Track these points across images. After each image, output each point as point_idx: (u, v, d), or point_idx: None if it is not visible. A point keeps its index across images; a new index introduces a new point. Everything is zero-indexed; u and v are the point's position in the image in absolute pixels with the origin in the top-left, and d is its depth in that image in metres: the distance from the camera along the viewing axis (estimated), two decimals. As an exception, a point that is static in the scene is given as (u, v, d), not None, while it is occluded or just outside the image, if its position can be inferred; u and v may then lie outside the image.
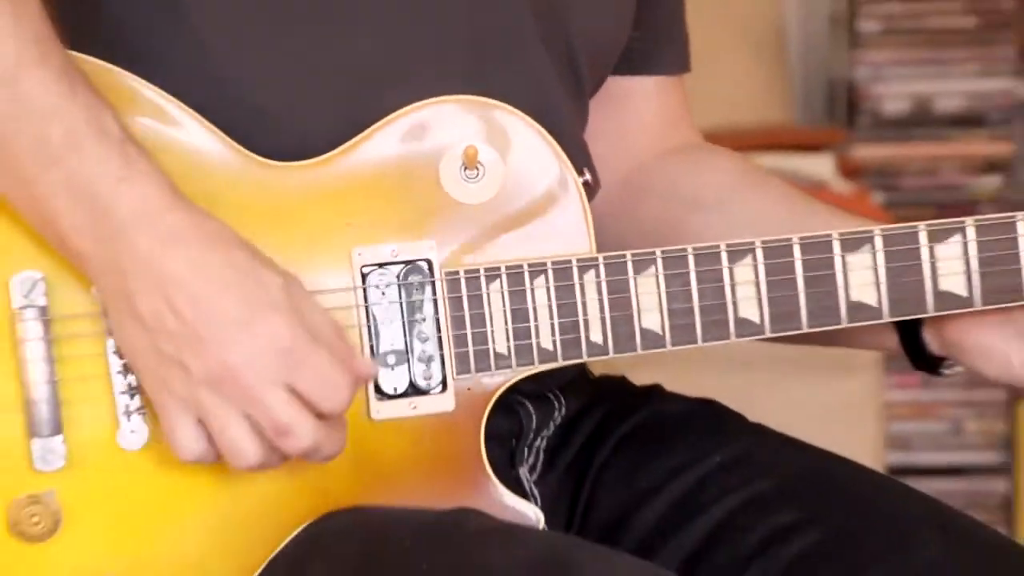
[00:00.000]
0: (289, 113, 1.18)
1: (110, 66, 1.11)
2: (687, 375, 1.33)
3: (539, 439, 1.24)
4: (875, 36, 2.98)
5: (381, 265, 1.14)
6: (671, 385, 1.33)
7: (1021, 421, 3.02)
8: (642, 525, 1.24)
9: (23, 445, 1.08)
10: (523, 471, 1.22)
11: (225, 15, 1.18)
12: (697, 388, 1.35)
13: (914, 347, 1.23)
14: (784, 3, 3.10)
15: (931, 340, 1.22)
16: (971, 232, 1.17)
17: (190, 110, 1.14)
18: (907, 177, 3.02)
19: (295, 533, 1.13)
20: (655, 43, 1.32)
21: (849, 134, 2.96)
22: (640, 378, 1.32)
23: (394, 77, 1.19)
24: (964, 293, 1.17)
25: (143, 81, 1.12)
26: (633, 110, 1.33)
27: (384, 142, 1.16)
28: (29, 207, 1.08)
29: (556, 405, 1.24)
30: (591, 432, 1.28)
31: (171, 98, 1.13)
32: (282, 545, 1.13)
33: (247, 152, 1.14)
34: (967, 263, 1.18)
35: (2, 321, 1.09)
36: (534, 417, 1.22)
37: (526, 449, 1.23)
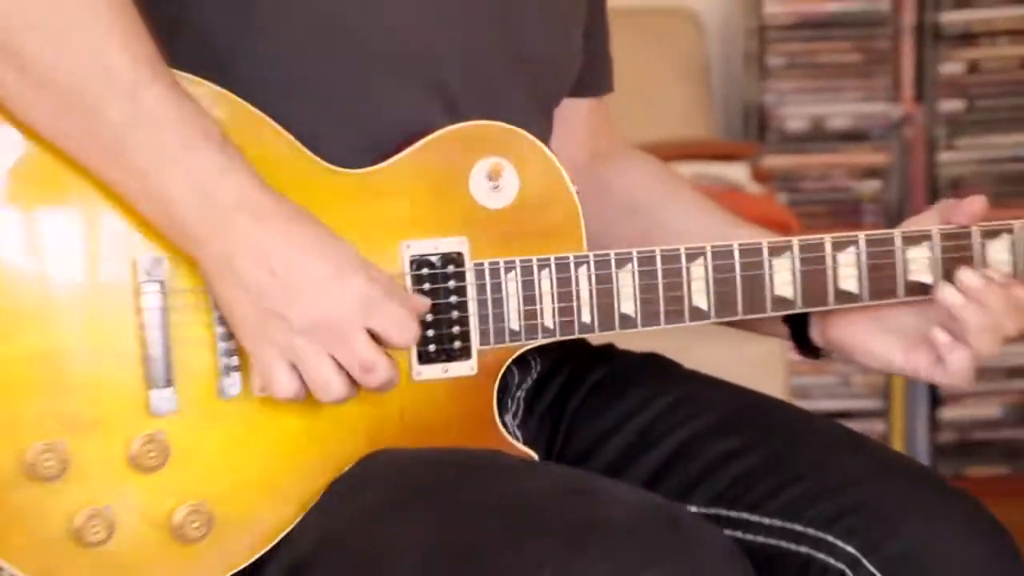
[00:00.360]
0: (351, 114, 1.20)
1: (199, 79, 1.14)
2: (631, 338, 1.34)
3: (519, 391, 1.30)
4: (781, 69, 3.17)
5: (424, 256, 1.19)
6: (620, 345, 1.37)
7: (895, 377, 3.15)
8: (608, 456, 1.30)
9: (142, 393, 1.13)
10: (508, 418, 1.27)
11: (296, 34, 1.19)
12: (639, 348, 1.38)
13: (801, 339, 1.31)
14: (707, 43, 3.22)
15: (816, 337, 1.31)
16: (862, 243, 1.24)
17: (265, 116, 1.16)
18: (806, 182, 3.19)
19: (350, 467, 1.18)
20: (591, 70, 1.36)
21: (760, 147, 3.13)
22: (595, 340, 1.35)
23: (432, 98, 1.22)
24: (856, 291, 1.25)
25: (225, 91, 1.15)
26: (571, 127, 1.35)
27: (427, 155, 1.20)
28: (144, 198, 1.10)
29: (532, 365, 1.30)
30: (563, 384, 1.32)
31: (249, 105, 1.16)
32: (339, 475, 1.18)
33: (314, 157, 1.17)
34: (859, 268, 1.25)
35: (129, 291, 1.12)
36: (516, 375, 1.28)
37: (509, 400, 1.28)
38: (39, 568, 1.11)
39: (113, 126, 1.07)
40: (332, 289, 1.10)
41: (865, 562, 1.18)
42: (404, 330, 1.12)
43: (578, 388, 1.31)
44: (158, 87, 1.08)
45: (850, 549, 1.18)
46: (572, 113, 1.34)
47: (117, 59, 1.07)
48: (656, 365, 1.34)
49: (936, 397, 3.21)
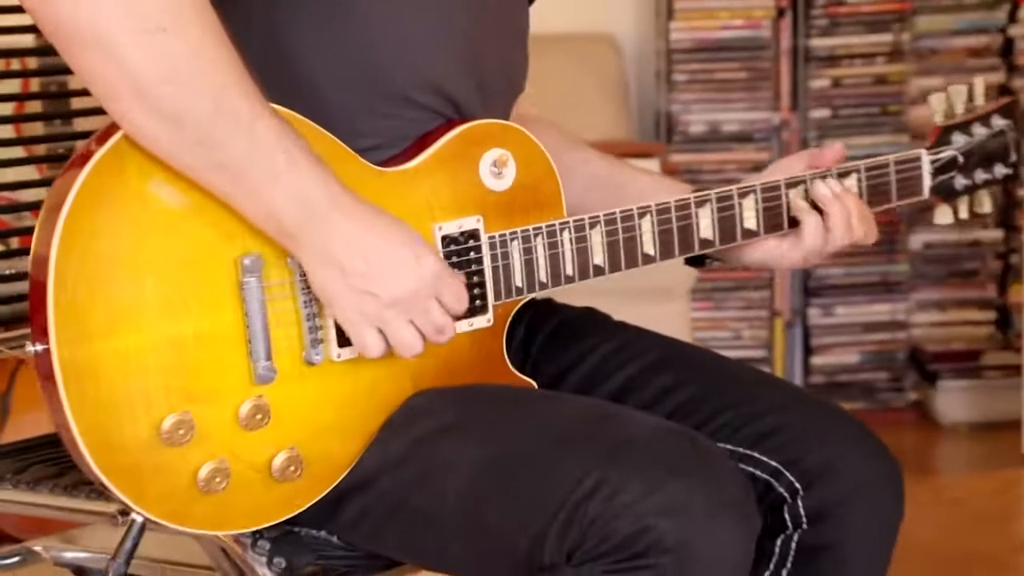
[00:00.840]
0: (379, 126, 1.23)
1: (278, 106, 1.14)
2: (568, 297, 1.38)
3: None
4: (684, 84, 3.37)
5: (451, 235, 1.23)
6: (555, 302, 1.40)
7: (776, 331, 3.42)
8: (570, 388, 1.33)
9: (247, 367, 1.16)
10: None
11: (337, 71, 1.22)
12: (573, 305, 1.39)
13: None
14: (625, 63, 3.42)
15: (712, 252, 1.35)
16: (759, 192, 1.33)
17: (326, 131, 1.18)
18: (704, 175, 3.37)
19: (400, 405, 1.22)
20: None
21: (668, 147, 3.35)
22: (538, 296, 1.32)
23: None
24: (755, 228, 1.33)
25: (294, 112, 1.16)
26: None
27: (446, 152, 1.24)
28: (255, 208, 1.12)
29: (505, 319, 1.30)
30: (525, 332, 1.36)
31: (316, 124, 1.18)
32: (391, 414, 1.22)
33: (364, 160, 1.20)
34: (758, 209, 1.32)
35: (234, 285, 1.15)
36: None
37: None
38: (170, 513, 1.15)
39: (236, 155, 1.10)
40: (413, 271, 1.15)
41: (786, 473, 1.26)
42: (462, 300, 1.18)
43: (537, 335, 1.38)
44: (267, 119, 1.12)
45: (773, 463, 1.26)
46: None
47: (238, 102, 1.10)
48: (596, 317, 1.41)
49: (808, 348, 3.43)
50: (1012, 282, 3.45)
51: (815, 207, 1.34)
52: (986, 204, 1.45)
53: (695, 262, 1.39)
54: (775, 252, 1.35)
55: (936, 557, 2.53)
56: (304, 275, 1.17)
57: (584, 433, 1.15)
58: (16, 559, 1.38)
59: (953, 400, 3.35)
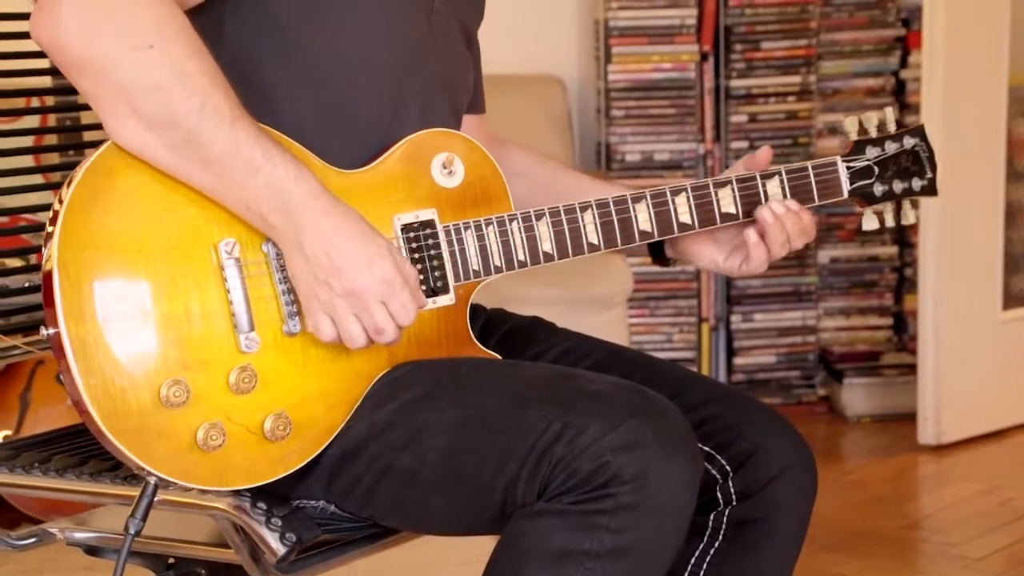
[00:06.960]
0: (347, 130, 1.24)
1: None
2: (516, 307, 1.41)
3: None
4: (621, 118, 3.38)
5: (409, 224, 1.23)
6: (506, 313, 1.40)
7: (703, 335, 3.42)
8: None
9: (233, 338, 1.16)
10: None
11: (326, 72, 1.22)
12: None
13: (656, 254, 1.38)
14: (570, 100, 3.46)
15: (668, 249, 1.38)
16: (690, 191, 1.32)
17: (298, 144, 1.18)
18: None
19: (381, 375, 1.21)
20: (475, 97, 1.41)
21: (607, 174, 3.31)
22: (490, 304, 1.40)
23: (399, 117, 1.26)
24: (690, 222, 1.33)
25: (264, 125, 1.15)
26: (469, 133, 1.34)
27: (401, 155, 1.25)
28: (236, 200, 1.12)
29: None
30: (479, 336, 1.32)
31: (283, 135, 1.18)
32: (371, 385, 1.21)
33: (327, 164, 1.21)
34: (690, 206, 1.32)
35: (215, 267, 1.16)
36: None
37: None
38: (177, 471, 1.14)
39: (220, 152, 1.11)
40: (364, 270, 1.14)
41: (718, 457, 1.27)
42: (408, 313, 1.16)
43: (489, 340, 1.36)
44: (246, 119, 1.12)
45: (707, 448, 1.26)
46: (470, 125, 1.40)
47: (221, 103, 1.11)
48: (542, 324, 1.41)
49: (731, 350, 3.43)
50: (907, 292, 3.45)
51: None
52: (911, 215, 1.42)
53: (662, 263, 1.39)
54: (727, 266, 1.36)
55: (840, 531, 2.55)
56: (280, 254, 1.16)
57: (547, 389, 1.15)
58: (33, 540, 1.38)
59: (856, 395, 3.37)
